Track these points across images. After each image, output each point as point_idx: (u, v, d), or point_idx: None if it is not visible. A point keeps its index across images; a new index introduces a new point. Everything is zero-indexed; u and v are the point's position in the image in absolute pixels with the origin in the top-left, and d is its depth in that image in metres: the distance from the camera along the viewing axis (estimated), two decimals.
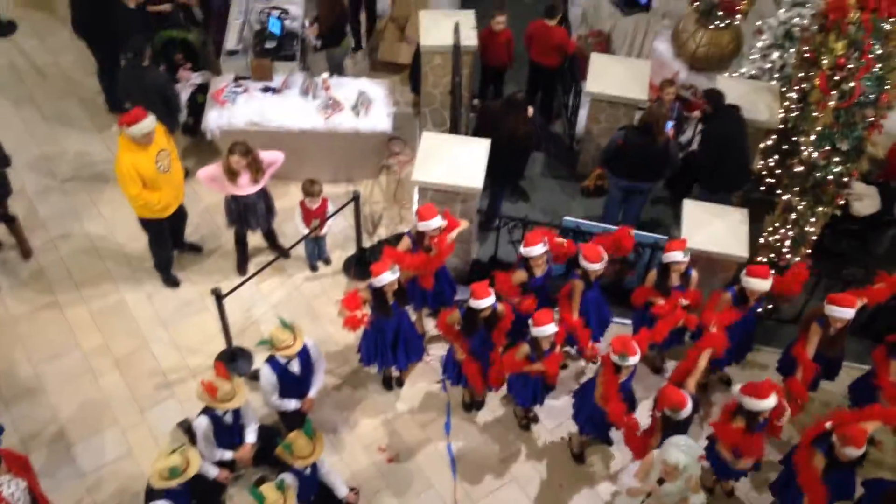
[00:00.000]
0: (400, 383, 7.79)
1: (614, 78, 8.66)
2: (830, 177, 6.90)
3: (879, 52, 6.57)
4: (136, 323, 8.12)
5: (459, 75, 8.60)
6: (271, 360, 6.54)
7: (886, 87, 6.60)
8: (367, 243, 8.62)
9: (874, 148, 6.82)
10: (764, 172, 8.42)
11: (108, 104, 9.72)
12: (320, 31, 9.21)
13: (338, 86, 8.99)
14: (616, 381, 6.24)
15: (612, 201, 8.50)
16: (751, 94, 8.29)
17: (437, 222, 6.85)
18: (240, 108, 8.65)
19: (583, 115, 9.20)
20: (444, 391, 7.69)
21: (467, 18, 8.90)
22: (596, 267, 6.82)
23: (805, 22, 8.15)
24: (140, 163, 7.24)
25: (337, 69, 9.49)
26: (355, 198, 7.99)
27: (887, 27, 6.56)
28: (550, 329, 6.34)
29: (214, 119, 8.65)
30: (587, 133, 9.07)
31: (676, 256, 6.89)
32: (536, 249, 6.86)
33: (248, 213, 7.85)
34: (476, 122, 8.74)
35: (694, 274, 7.10)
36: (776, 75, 8.62)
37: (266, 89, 8.83)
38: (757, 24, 9.01)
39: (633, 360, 6.13)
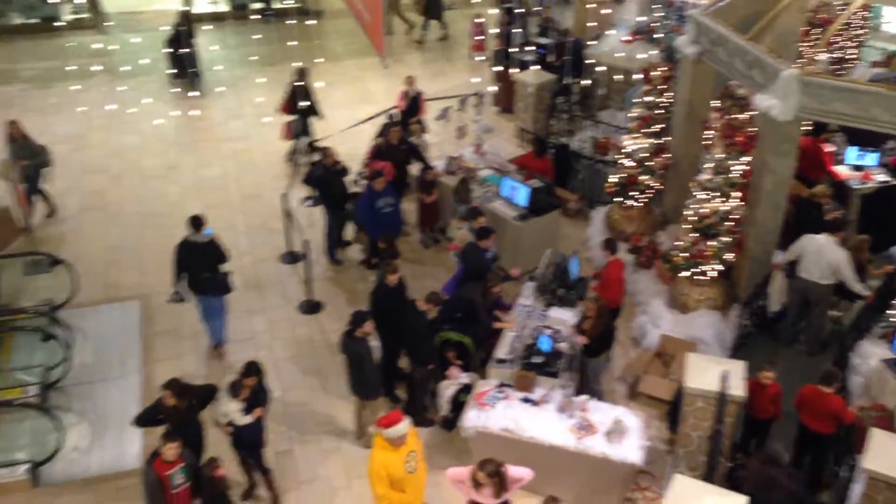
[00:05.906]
0: None
1: None
2: None
3: None
4: None
5: (722, 423, 8.37)
6: None
7: None
8: None
9: None
10: None
11: None
12: (589, 342, 9.65)
13: (595, 409, 9.09)
14: None
15: None
16: None
17: None
18: (498, 413, 9.00)
19: (856, 490, 8.42)
20: None
21: (737, 368, 8.80)
22: None
23: None
24: (391, 463, 7.73)
25: (593, 378, 9.80)
26: None
27: None
28: None
29: (473, 419, 9.03)
30: None
31: None
32: None
33: None
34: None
35: None
36: None
37: (525, 400, 9.17)
38: None
39: None
